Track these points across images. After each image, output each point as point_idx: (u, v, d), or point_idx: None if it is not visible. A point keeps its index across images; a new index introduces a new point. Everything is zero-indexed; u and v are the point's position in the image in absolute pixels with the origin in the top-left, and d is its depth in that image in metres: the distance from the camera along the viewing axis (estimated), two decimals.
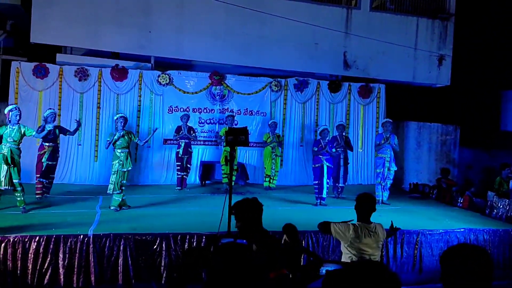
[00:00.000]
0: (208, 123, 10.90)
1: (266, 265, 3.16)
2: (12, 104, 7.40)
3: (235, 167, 9.58)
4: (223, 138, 9.19)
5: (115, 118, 7.99)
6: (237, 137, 4.71)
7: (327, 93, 11.63)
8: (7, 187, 7.01)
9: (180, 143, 9.80)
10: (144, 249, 6.03)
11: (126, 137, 7.71)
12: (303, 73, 11.57)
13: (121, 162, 7.63)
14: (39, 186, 8.11)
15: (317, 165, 8.93)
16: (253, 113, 11.20)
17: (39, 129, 8.01)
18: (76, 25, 9.87)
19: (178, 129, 9.83)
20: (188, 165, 9.94)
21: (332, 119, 11.71)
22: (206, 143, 10.88)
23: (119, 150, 7.65)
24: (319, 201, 8.81)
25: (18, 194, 7.13)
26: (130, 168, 7.87)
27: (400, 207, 9.01)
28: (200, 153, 10.82)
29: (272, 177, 10.33)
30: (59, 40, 10.13)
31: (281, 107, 11.43)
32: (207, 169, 10.49)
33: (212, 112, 10.91)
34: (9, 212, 7.08)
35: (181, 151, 9.78)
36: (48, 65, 9.94)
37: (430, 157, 12.61)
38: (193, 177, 10.66)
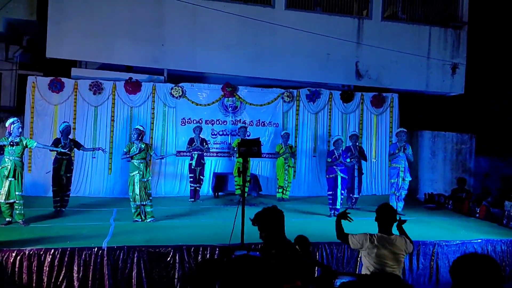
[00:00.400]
0: (220, 135, 10.94)
1: (280, 276, 3.13)
2: (12, 117, 7.43)
3: (248, 178, 9.59)
4: (235, 149, 9.24)
5: (133, 130, 8.08)
6: (249, 148, 4.72)
7: (340, 103, 11.60)
8: (8, 200, 7.01)
9: (193, 154, 9.84)
10: (157, 261, 6.03)
11: (144, 148, 7.78)
12: (315, 84, 11.57)
13: (141, 173, 7.68)
14: (56, 198, 8.18)
15: (331, 176, 8.89)
16: (266, 124, 11.21)
17: (54, 141, 8.14)
18: (91, 40, 10.04)
19: (191, 141, 9.88)
20: (201, 177, 9.97)
21: (345, 129, 11.67)
22: (219, 154, 10.91)
23: (138, 161, 7.71)
24: (333, 212, 8.73)
25: (18, 207, 7.12)
26: (150, 178, 7.94)
27: (415, 217, 8.87)
28: (213, 165, 10.85)
29: (285, 188, 10.29)
30: (74, 54, 10.32)
31: (294, 118, 11.42)
32: (220, 180, 10.50)
33: (225, 123, 10.95)
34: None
35: (194, 162, 9.82)
36: (63, 79, 10.11)
37: (445, 167, 12.46)
38: (206, 188, 10.67)
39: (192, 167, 9.82)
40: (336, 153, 8.85)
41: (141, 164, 7.72)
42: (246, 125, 10.68)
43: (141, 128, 8.08)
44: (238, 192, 9.75)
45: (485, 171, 12.92)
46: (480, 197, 10.33)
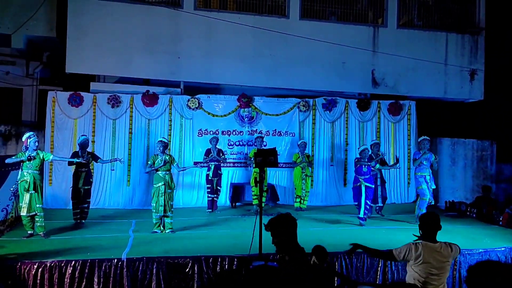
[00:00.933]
0: (237, 145, 10.97)
1: (295, 283, 3.10)
2: (29, 131, 7.57)
3: (265, 188, 9.59)
4: (252, 159, 9.26)
5: (157, 142, 8.09)
6: (266, 158, 4.72)
7: (356, 111, 11.54)
8: (30, 213, 7.12)
9: (210, 165, 9.88)
10: (176, 272, 6.04)
11: (169, 160, 7.85)
12: (331, 92, 11.55)
13: (167, 184, 7.74)
14: (76, 211, 8.29)
15: (356, 185, 8.95)
16: (282, 134, 11.21)
17: (72, 155, 8.29)
18: (109, 54, 10.23)
19: (208, 152, 9.93)
20: (218, 187, 10.00)
21: (362, 138, 11.59)
22: (236, 165, 10.93)
23: (163, 172, 7.77)
24: (360, 221, 8.74)
25: (39, 219, 7.23)
26: (174, 188, 8.04)
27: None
28: (230, 175, 10.87)
29: (302, 198, 10.23)
30: (93, 69, 10.51)
31: (310, 127, 11.40)
32: (237, 191, 10.52)
33: (241, 134, 10.98)
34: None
35: (211, 173, 9.85)
36: (82, 93, 10.29)
37: (466, 174, 12.26)
38: (224, 199, 10.69)
39: (209, 178, 9.87)
40: (362, 162, 8.91)
41: (167, 176, 7.79)
42: (263, 135, 10.69)
43: (165, 140, 8.16)
44: (255, 202, 9.72)
45: (507, 178, 12.64)
46: (503, 205, 10.11)
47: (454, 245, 4.19)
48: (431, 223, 4.12)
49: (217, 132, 10.76)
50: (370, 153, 9.60)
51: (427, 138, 9.19)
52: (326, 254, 4.81)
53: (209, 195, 9.92)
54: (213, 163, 9.85)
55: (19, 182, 7.20)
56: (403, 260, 4.16)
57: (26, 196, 7.10)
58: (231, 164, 10.88)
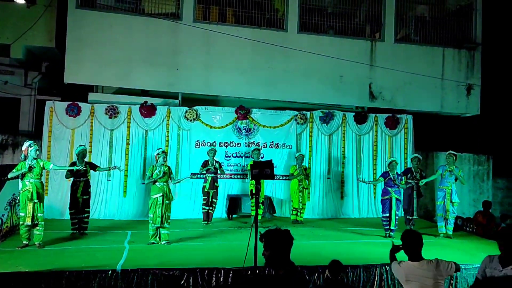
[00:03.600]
0: (234, 157, 10.97)
1: None
2: (29, 140, 7.56)
3: (261, 200, 9.58)
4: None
5: (156, 153, 7.95)
6: (262, 170, 4.72)
7: (353, 124, 11.58)
8: (31, 223, 7.10)
9: (207, 177, 9.86)
10: (171, 284, 5.99)
11: (167, 171, 7.84)
12: (329, 105, 11.60)
13: (165, 195, 7.71)
14: (74, 221, 8.25)
15: (386, 198, 8.97)
16: (279, 146, 11.22)
17: (70, 165, 8.28)
18: (108, 65, 10.28)
19: (205, 164, 9.90)
20: (214, 200, 9.92)
21: (359, 151, 11.63)
22: (233, 176, 10.91)
23: (161, 183, 7.75)
24: (388, 233, 8.82)
25: (39, 228, 7.22)
26: (173, 199, 8.03)
27: (433, 240, 8.72)
28: (227, 187, 10.85)
29: (299, 210, 10.21)
30: (92, 80, 10.54)
31: (307, 140, 11.42)
32: (233, 202, 10.48)
33: (239, 146, 10.99)
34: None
35: (207, 185, 9.82)
36: (80, 103, 10.29)
37: (462, 189, 12.25)
38: (220, 211, 10.66)
39: (206, 190, 9.83)
40: (391, 175, 8.93)
41: (165, 187, 7.77)
42: (260, 147, 10.70)
43: (165, 150, 8.18)
44: (254, 213, 9.72)
45: (503, 193, 12.66)
46: (499, 220, 10.10)
47: (444, 262, 4.07)
48: (411, 242, 4.03)
49: (214, 143, 10.77)
50: (410, 167, 9.73)
51: (453, 152, 9.13)
52: (341, 268, 4.81)
53: (204, 207, 9.87)
54: (210, 175, 9.83)
55: (21, 192, 7.18)
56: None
57: (30, 206, 7.09)
58: (228, 176, 10.86)
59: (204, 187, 9.87)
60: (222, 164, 10.33)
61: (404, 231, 4.19)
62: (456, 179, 9.03)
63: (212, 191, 9.83)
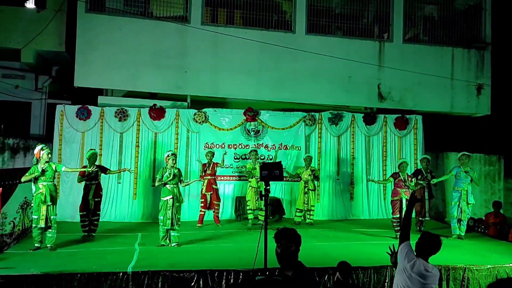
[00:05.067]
0: (243, 159, 10.96)
1: None
2: (41, 144, 7.62)
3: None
4: (250, 172, 9.87)
5: (166, 155, 8.06)
6: (271, 172, 4.71)
7: (362, 125, 11.54)
8: (45, 225, 7.18)
9: (204, 179, 9.85)
10: (182, 286, 6.01)
11: (177, 173, 7.88)
12: (337, 107, 11.57)
13: (175, 197, 7.76)
14: (85, 223, 8.31)
15: (395, 198, 8.93)
16: (288, 148, 11.21)
17: (83, 167, 8.36)
18: (117, 69, 10.35)
19: (203, 166, 9.93)
20: (214, 202, 9.86)
21: (368, 152, 11.59)
22: (242, 178, 10.91)
23: (171, 186, 7.79)
24: (398, 234, 8.71)
25: (52, 231, 7.29)
26: (183, 202, 8.08)
27: (444, 241, 8.62)
28: (235, 188, 10.86)
29: (306, 212, 10.18)
30: (101, 83, 10.62)
31: (316, 141, 11.40)
32: (242, 203, 10.48)
33: (247, 147, 10.99)
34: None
35: (204, 188, 9.82)
36: (90, 107, 10.38)
37: (473, 189, 12.12)
38: (229, 212, 10.68)
39: (203, 192, 9.84)
40: (401, 176, 8.90)
41: (175, 189, 7.81)
42: (256, 148, 10.60)
43: (175, 153, 8.25)
44: (250, 217, 9.81)
45: None
46: (510, 220, 10.00)
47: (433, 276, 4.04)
48: (431, 246, 4.10)
49: (223, 145, 10.80)
50: (420, 168, 9.67)
51: (467, 153, 9.07)
52: (351, 270, 4.78)
53: (202, 210, 9.85)
54: (207, 177, 9.80)
55: (34, 195, 7.24)
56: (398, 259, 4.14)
57: (43, 208, 7.16)
58: (237, 178, 10.88)
59: (202, 189, 9.88)
60: (229, 166, 10.37)
61: (430, 234, 4.17)
62: (471, 180, 8.94)
63: (209, 193, 9.80)
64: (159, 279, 5.97)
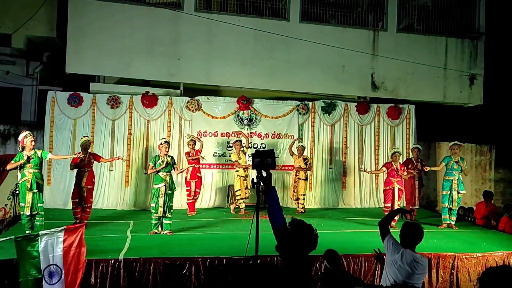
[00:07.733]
0: None
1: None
2: (26, 131, 7.53)
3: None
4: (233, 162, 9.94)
5: (159, 143, 8.05)
6: (264, 160, 4.69)
7: (356, 114, 11.55)
8: (32, 213, 7.15)
9: (189, 168, 9.80)
10: (173, 273, 6.04)
11: (170, 161, 7.87)
12: (331, 96, 11.56)
13: (167, 185, 7.75)
14: (77, 210, 8.26)
15: (388, 188, 9.00)
16: (281, 136, 11.21)
17: (72, 156, 8.30)
18: (109, 55, 10.24)
19: (187, 154, 9.90)
20: (197, 190, 9.90)
21: (361, 141, 11.63)
22: (234, 166, 10.88)
23: (164, 173, 7.78)
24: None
25: (40, 219, 7.26)
26: (175, 189, 8.08)
27: (434, 229, 8.73)
28: (229, 177, 10.86)
29: (297, 201, 10.24)
30: (93, 70, 10.52)
31: (309, 130, 11.40)
32: (235, 192, 10.48)
33: (240, 136, 10.96)
34: None
35: (188, 175, 9.81)
36: (82, 94, 10.27)
37: (464, 179, 12.25)
38: (222, 200, 10.74)
39: (187, 180, 9.83)
40: (394, 165, 8.94)
41: (168, 177, 7.80)
42: (241, 138, 10.35)
43: (168, 141, 8.22)
44: (242, 206, 9.87)
45: (506, 183, 12.64)
46: (501, 210, 10.10)
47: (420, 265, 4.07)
48: (413, 236, 4.12)
49: (216, 133, 10.78)
50: (411, 157, 9.70)
51: (458, 143, 9.11)
52: (338, 257, 4.81)
53: (189, 198, 9.85)
54: (191, 165, 9.78)
55: (20, 182, 7.19)
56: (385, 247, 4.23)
57: (29, 195, 7.11)
58: (230, 166, 10.87)
59: (186, 177, 9.86)
60: (225, 154, 10.34)
61: (411, 223, 4.21)
62: (462, 170, 9.01)
63: (194, 181, 9.79)
64: (151, 266, 5.98)
